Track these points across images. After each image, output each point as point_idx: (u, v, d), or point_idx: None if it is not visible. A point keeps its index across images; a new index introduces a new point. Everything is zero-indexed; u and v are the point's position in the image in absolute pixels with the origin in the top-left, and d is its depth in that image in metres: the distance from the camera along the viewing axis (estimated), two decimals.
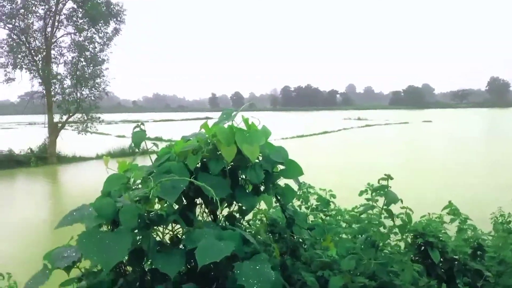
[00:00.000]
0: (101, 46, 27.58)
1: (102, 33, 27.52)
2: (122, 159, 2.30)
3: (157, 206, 2.07)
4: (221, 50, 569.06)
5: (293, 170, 2.32)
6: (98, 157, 27.33)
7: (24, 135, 42.06)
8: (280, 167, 2.35)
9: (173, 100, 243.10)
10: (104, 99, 29.62)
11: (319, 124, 57.84)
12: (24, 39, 25.92)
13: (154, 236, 1.92)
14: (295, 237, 2.48)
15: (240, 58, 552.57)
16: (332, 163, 21.36)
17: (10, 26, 25.56)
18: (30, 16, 25.96)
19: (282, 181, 2.41)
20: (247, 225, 2.67)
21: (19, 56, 25.65)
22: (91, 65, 26.80)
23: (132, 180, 2.12)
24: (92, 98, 27.43)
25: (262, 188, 2.29)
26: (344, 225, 3.25)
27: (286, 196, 2.40)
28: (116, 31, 28.02)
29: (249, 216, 2.64)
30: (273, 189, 2.32)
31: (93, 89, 27.21)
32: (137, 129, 2.35)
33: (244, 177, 2.36)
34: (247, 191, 2.31)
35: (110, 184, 2.16)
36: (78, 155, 26.97)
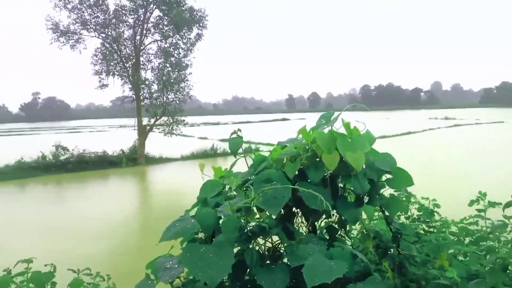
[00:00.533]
0: (185, 52, 28.87)
1: (186, 39, 28.81)
2: (206, 164, 2.24)
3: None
4: (298, 50, 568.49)
5: (402, 179, 2.10)
6: (183, 158, 28.61)
7: (116, 137, 45.48)
8: (386, 175, 2.14)
9: (251, 102, 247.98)
10: (187, 103, 30.93)
11: (402, 124, 55.08)
12: (116, 47, 27.97)
13: (256, 248, 1.83)
14: (401, 253, 2.24)
15: (317, 58, 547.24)
16: (418, 166, 20.12)
17: (104, 35, 27.75)
18: (121, 25, 27.98)
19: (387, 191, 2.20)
20: (347, 238, 2.48)
21: (112, 63, 27.69)
22: (176, 70, 28.15)
23: (227, 187, 2.06)
24: (177, 102, 28.83)
25: (365, 198, 2.10)
26: (452, 238, 2.93)
27: (392, 207, 2.17)
28: (199, 36, 29.15)
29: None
30: (378, 200, 2.11)
31: (178, 93, 28.58)
32: (234, 135, 2.27)
33: (342, 185, 2.19)
34: (349, 201, 2.13)
35: (206, 190, 2.11)
36: (165, 156, 28.46)
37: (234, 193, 2.05)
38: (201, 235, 1.98)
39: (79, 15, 26.88)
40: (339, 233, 2.25)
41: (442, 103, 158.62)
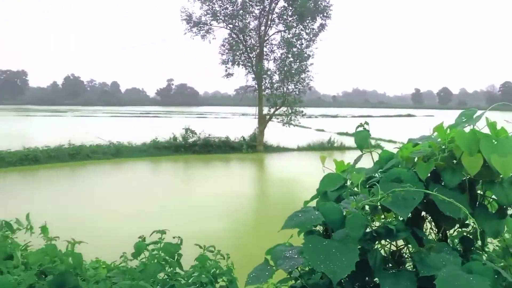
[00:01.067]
0: (307, 42, 28.88)
1: (309, 29, 28.78)
2: (322, 156, 2.17)
3: None
4: (426, 40, 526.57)
5: None
6: (299, 148, 28.88)
7: (238, 124, 47.78)
8: None
9: (372, 95, 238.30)
10: (307, 94, 30.98)
11: None
12: (241, 37, 29.21)
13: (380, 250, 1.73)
14: None
15: (450, 48, 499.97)
16: None
17: (231, 26, 29.17)
18: (247, 16, 29.10)
19: None
20: (483, 253, 2.21)
21: (237, 53, 29.03)
22: (297, 60, 28.35)
23: (349, 182, 1.98)
24: (297, 92, 29.06)
25: (510, 210, 1.83)
26: None
27: None
28: (322, 26, 28.90)
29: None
30: None
31: (298, 84, 28.82)
32: (360, 128, 2.16)
33: (482, 193, 1.94)
34: (490, 211, 1.88)
35: (326, 183, 2.06)
36: (282, 146, 29.07)
37: (356, 189, 1.96)
38: (319, 228, 1.95)
39: (210, 6, 28.69)
40: (474, 245, 2.01)
41: None
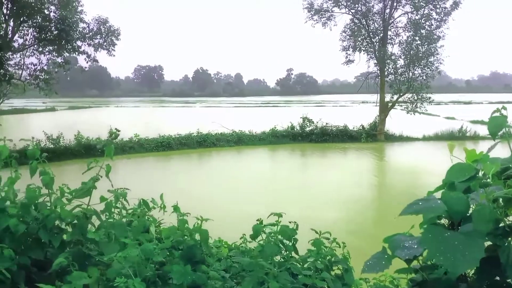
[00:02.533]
0: (438, 23, 26.58)
1: (440, 9, 26.40)
2: (451, 147, 1.97)
3: None
4: None
5: None
6: (424, 138, 26.96)
7: (357, 113, 46.39)
8: None
9: None
10: (435, 79, 28.58)
11: None
12: (364, 22, 28.11)
13: None
14: None
15: None
16: None
17: (353, 11, 28.23)
18: (371, 0, 27.84)
19: None
20: None
21: (359, 39, 28.06)
22: (425, 43, 26.30)
23: (481, 173, 1.78)
24: (424, 77, 27.03)
25: None
26: None
27: None
28: (456, 4, 26.27)
29: None
30: None
31: (425, 68, 26.77)
32: (497, 114, 1.93)
33: None
34: None
35: (453, 173, 1.88)
36: (405, 135, 27.45)
37: (489, 180, 1.76)
38: (443, 221, 1.80)
39: None
40: None
41: None
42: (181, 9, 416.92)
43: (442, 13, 26.50)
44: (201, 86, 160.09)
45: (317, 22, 29.28)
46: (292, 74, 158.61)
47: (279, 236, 2.23)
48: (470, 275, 1.68)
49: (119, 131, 2.36)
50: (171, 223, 2.45)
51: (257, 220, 2.62)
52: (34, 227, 1.95)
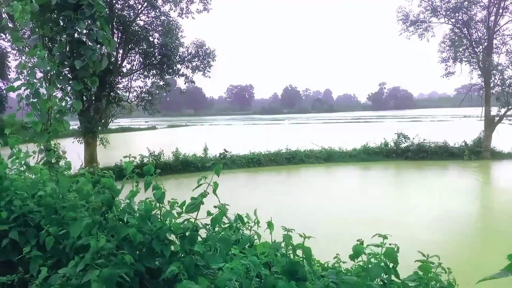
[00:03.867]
0: None
1: None
2: None
3: None
4: None
5: None
6: None
7: (458, 128, 43.08)
8: None
9: None
10: None
11: None
12: (465, 31, 26.28)
13: None
14: None
15: None
16: None
17: (453, 20, 26.56)
18: (473, 7, 26.00)
19: None
20: None
21: (460, 49, 26.27)
22: None
23: None
24: None
25: None
26: None
27: None
28: None
29: None
30: None
31: None
32: None
33: None
34: None
35: None
36: None
37: None
38: None
39: (430, 2, 26.87)
40: None
41: None
42: (270, 29, 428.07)
43: None
44: (290, 103, 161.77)
45: (413, 34, 28.10)
46: (385, 88, 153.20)
47: (383, 258, 2.14)
48: None
49: (227, 151, 2.50)
50: (264, 239, 2.49)
51: (357, 240, 2.55)
52: (148, 238, 2.13)
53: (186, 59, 24.18)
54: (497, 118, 25.35)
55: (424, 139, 25.82)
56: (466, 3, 25.70)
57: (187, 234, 2.16)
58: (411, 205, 14.02)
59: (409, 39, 29.77)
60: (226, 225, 2.66)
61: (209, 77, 25.28)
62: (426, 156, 24.85)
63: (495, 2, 25.51)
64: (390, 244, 2.69)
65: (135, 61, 24.31)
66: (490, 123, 25.33)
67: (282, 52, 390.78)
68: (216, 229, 2.39)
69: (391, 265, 2.29)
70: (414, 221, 11.85)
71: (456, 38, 26.40)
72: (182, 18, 23.60)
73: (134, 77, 24.80)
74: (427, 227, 11.25)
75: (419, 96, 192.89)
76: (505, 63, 25.41)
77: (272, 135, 44.54)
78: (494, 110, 25.78)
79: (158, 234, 2.13)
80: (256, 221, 2.84)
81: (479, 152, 24.73)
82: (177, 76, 24.30)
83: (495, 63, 25.23)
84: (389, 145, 26.05)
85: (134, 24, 22.68)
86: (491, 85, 25.45)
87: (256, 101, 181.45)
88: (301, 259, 2.19)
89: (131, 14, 22.68)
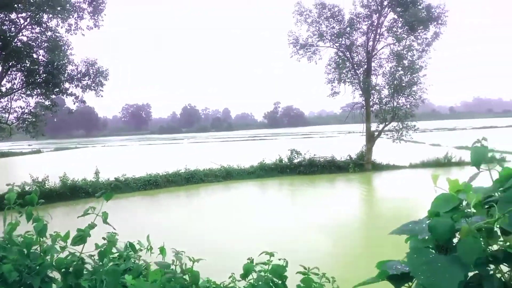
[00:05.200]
0: (420, 53, 27.47)
1: (421, 39, 27.40)
2: (437, 174, 2.04)
3: None
4: None
5: None
6: (411, 166, 27.26)
7: (344, 143, 46.86)
8: None
9: (498, 104, 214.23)
10: (419, 107, 29.19)
11: None
12: (348, 55, 28.90)
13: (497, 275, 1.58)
14: None
15: None
16: None
17: (337, 44, 29.05)
18: (354, 33, 28.77)
19: None
20: None
21: (344, 71, 28.63)
22: (408, 73, 26.98)
23: (465, 203, 1.84)
24: (408, 106, 27.60)
25: None
26: None
27: None
28: (436, 35, 27.28)
29: None
30: None
31: (409, 97, 27.38)
32: (477, 144, 2.01)
33: None
34: None
35: (438, 204, 1.94)
36: (392, 163, 27.71)
37: (473, 210, 1.82)
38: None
39: (317, 28, 29.01)
40: None
41: None
42: (167, 47, 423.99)
43: (423, 43, 27.46)
44: (189, 122, 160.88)
45: (303, 57, 29.96)
46: (279, 107, 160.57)
47: (269, 275, 2.23)
48: None
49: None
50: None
51: (247, 259, 2.62)
52: (26, 276, 1.95)
53: (75, 77, 22.76)
54: (376, 133, 28.16)
55: (314, 155, 27.57)
56: (348, 29, 28.35)
57: (70, 269, 2.02)
58: (305, 217, 14.78)
59: (300, 61, 31.73)
60: (116, 255, 2.55)
61: (102, 96, 24.10)
62: (317, 170, 26.55)
63: (373, 29, 28.57)
64: (279, 259, 2.83)
65: (16, 79, 22.20)
66: (371, 138, 28.02)
67: (180, 71, 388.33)
68: (105, 260, 2.28)
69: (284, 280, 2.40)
70: (307, 232, 12.51)
71: (340, 61, 28.75)
72: (71, 34, 22.29)
73: (15, 97, 22.58)
74: (319, 237, 11.95)
75: (310, 114, 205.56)
76: (381, 84, 28.34)
77: (170, 155, 43.69)
78: (373, 126, 28.59)
79: (38, 271, 1.96)
80: (149, 248, 2.76)
81: (362, 165, 27.14)
82: (65, 96, 22.71)
83: (374, 84, 28.03)
84: (283, 161, 27.29)
85: (15, 39, 20.77)
86: (371, 103, 28.21)
87: (154, 121, 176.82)
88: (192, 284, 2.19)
89: (12, 29, 20.78)
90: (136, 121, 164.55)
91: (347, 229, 13.02)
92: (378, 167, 27.42)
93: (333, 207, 16.50)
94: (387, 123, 27.79)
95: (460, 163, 26.46)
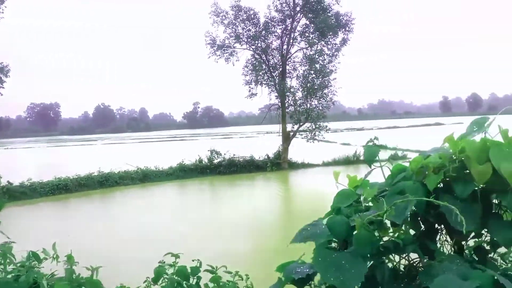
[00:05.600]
0: (330, 58, 28.92)
1: (331, 45, 28.88)
2: (347, 171, 2.18)
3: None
4: (453, 45, 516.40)
5: None
6: (324, 164, 28.65)
7: (262, 143, 47.85)
8: None
9: (399, 106, 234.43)
10: (331, 108, 30.81)
11: None
12: (264, 58, 29.54)
13: (389, 264, 1.71)
14: None
15: (478, 51, 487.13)
16: None
17: (254, 47, 29.56)
18: (269, 36, 29.46)
19: None
20: (503, 262, 2.15)
21: (260, 73, 29.21)
22: (320, 76, 28.32)
23: (362, 198, 1.97)
24: (320, 108, 28.97)
25: None
26: None
27: None
28: (344, 41, 28.97)
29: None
30: None
31: (321, 99, 28.76)
32: (370, 143, 2.16)
33: (497, 202, 1.89)
34: (504, 220, 1.83)
35: (339, 199, 2.06)
36: (306, 162, 28.90)
37: (370, 204, 1.96)
38: (334, 244, 1.95)
39: (233, 29, 29.25)
40: (492, 255, 1.95)
41: None
42: (77, 43, 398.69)
43: (333, 49, 29.02)
44: (103, 122, 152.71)
45: (220, 57, 30.01)
46: (198, 107, 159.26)
47: (176, 277, 2.20)
48: None
49: None
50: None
51: (159, 262, 2.56)
52: None
53: None
54: (292, 133, 29.19)
55: (234, 155, 27.81)
56: (264, 32, 28.99)
57: None
58: (222, 216, 14.84)
59: (217, 62, 31.78)
60: (18, 265, 2.34)
61: (1, 94, 21.97)
62: (236, 170, 26.81)
63: (286, 33, 29.53)
64: (193, 260, 2.80)
65: None
66: (287, 138, 28.98)
67: (92, 69, 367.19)
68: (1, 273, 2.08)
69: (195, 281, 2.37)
70: (226, 231, 12.57)
71: (257, 63, 29.32)
72: None
73: None
74: (238, 235, 12.08)
75: (229, 114, 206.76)
76: (296, 86, 29.40)
77: (83, 158, 41.18)
78: (289, 127, 29.60)
79: None
80: (55, 256, 2.57)
81: (279, 164, 27.96)
82: None
83: (288, 86, 28.99)
84: (203, 162, 27.13)
85: None
86: (286, 105, 29.16)
87: (64, 121, 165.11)
88: None
89: None
90: (44, 122, 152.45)
91: (264, 226, 13.30)
92: (294, 166, 28.43)
93: (251, 205, 16.77)
94: (301, 124, 28.92)
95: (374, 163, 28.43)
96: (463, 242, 1.93)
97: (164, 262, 2.55)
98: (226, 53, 29.90)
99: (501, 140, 1.85)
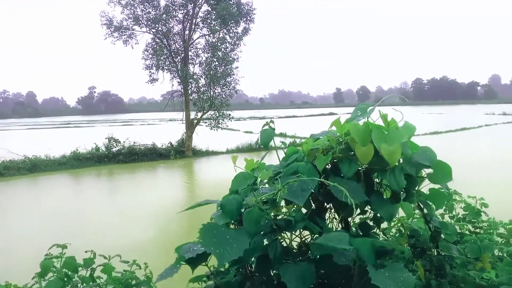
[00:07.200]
0: (232, 46, 29.04)
1: (233, 33, 28.98)
2: (250, 157, 2.22)
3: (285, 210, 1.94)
4: (347, 42, 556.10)
5: (441, 174, 1.96)
6: (228, 151, 29.00)
7: (165, 130, 46.74)
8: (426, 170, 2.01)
9: (298, 96, 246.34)
10: (234, 97, 31.10)
11: (457, 120, 52.52)
12: (165, 42, 28.66)
13: (281, 241, 1.79)
14: (441, 254, 2.11)
15: (368, 50, 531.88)
16: (471, 164, 19.08)
17: (154, 30, 28.48)
18: (171, 20, 28.57)
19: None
20: (384, 236, 2.38)
21: (161, 58, 28.31)
22: (222, 64, 28.36)
23: (259, 180, 2.03)
24: (223, 96, 29.10)
25: (403, 195, 1.99)
26: (499, 240, 2.75)
27: (430, 204, 2.05)
28: (246, 30, 29.25)
29: (384, 224, 2.35)
30: (417, 196, 1.99)
31: (224, 87, 28.88)
32: (266, 127, 2.23)
33: (379, 180, 2.08)
34: (385, 197, 2.02)
35: (237, 182, 2.10)
36: (211, 149, 28.97)
37: (267, 185, 2.02)
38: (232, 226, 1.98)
39: (131, 10, 27.80)
40: (374, 230, 2.15)
41: (501, 97, 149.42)
42: None
43: (235, 37, 29.17)
44: None
45: (118, 40, 28.44)
46: (95, 92, 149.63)
47: (64, 269, 2.06)
48: (252, 273, 1.88)
49: None
50: None
51: (45, 255, 2.38)
52: None
53: None
54: (195, 121, 28.94)
55: (134, 142, 26.72)
56: (164, 16, 28.02)
57: None
58: (124, 207, 14.25)
59: (115, 44, 30.10)
60: None
61: None
62: (137, 158, 25.83)
63: (188, 18, 28.92)
64: (86, 251, 2.64)
65: None
66: (190, 126, 28.65)
67: None
68: None
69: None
70: (127, 222, 12.11)
71: (158, 47, 28.34)
72: None
73: None
74: (139, 225, 11.72)
75: (129, 100, 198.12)
76: (199, 73, 29.11)
77: None
78: (193, 114, 29.28)
79: None
80: None
81: (183, 152, 27.59)
82: None
83: (191, 73, 28.57)
84: (100, 150, 25.65)
85: None
86: (189, 92, 28.75)
87: None
88: None
89: None
90: None
91: (167, 214, 13.06)
92: (198, 153, 28.30)
93: (153, 193, 16.35)
94: (205, 112, 28.79)
95: (270, 148, 29.37)
96: (350, 219, 2.10)
97: (52, 255, 2.37)
98: (124, 35, 28.41)
99: (382, 124, 2.03)
